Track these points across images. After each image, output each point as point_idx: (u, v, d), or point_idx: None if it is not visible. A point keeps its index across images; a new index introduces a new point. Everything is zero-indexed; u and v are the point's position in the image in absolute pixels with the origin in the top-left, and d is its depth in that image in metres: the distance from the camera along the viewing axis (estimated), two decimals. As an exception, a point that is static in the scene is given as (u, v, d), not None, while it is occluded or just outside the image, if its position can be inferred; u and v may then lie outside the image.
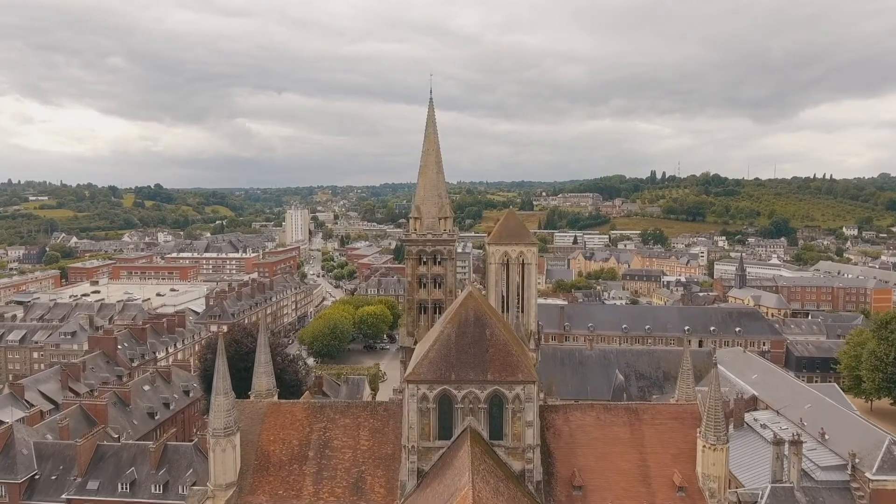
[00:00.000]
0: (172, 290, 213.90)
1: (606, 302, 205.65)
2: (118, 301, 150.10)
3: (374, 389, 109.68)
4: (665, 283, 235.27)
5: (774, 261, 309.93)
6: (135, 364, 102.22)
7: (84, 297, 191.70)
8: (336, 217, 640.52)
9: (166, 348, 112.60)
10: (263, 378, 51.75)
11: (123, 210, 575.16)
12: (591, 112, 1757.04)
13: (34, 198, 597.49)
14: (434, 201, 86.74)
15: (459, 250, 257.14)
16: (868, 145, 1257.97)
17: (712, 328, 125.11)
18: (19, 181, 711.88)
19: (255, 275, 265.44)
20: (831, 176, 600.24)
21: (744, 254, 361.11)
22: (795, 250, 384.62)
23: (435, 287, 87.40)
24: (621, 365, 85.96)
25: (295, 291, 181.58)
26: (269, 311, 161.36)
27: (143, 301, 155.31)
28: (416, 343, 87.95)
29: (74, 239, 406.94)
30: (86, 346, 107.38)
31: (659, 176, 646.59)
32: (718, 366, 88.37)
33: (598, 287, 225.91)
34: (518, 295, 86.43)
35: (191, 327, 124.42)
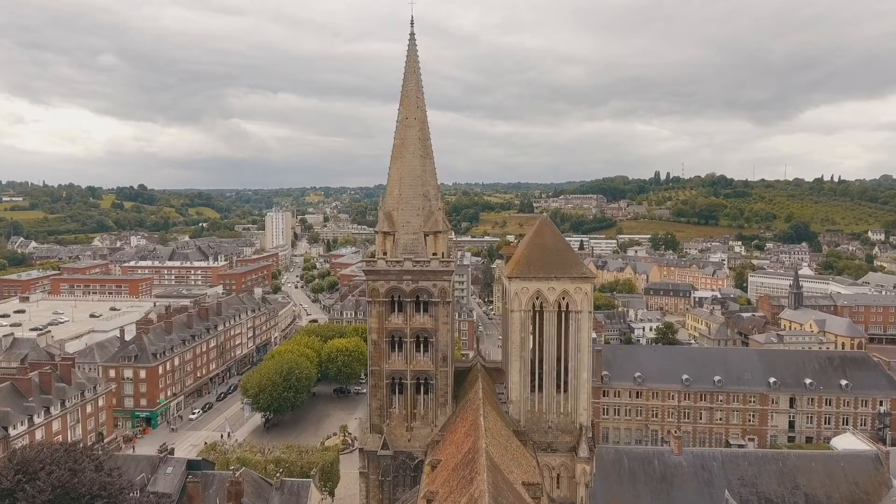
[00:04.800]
0: (113, 308, 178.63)
1: (634, 325, 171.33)
2: (4, 335, 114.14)
3: (330, 483, 74.13)
4: (697, 299, 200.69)
5: (806, 270, 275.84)
6: (-38, 452, 66.75)
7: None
8: (326, 219, 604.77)
9: (30, 418, 77.07)
10: None
11: (99, 212, 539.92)
12: (590, 114, 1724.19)
13: (8, 199, 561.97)
14: (416, 205, 51.52)
15: (455, 256, 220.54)
16: (865, 148, 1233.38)
17: (808, 381, 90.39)
18: (0, 182, 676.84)
19: (219, 287, 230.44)
20: (840, 177, 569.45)
21: (768, 262, 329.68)
22: (820, 257, 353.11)
23: (418, 350, 52.26)
24: (732, 481, 51.13)
25: (253, 315, 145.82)
26: (212, 345, 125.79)
27: (40, 334, 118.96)
28: (384, 447, 53.21)
29: (33, 243, 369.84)
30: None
31: (662, 178, 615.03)
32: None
33: (619, 304, 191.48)
34: (558, 362, 51.65)
35: (81, 380, 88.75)
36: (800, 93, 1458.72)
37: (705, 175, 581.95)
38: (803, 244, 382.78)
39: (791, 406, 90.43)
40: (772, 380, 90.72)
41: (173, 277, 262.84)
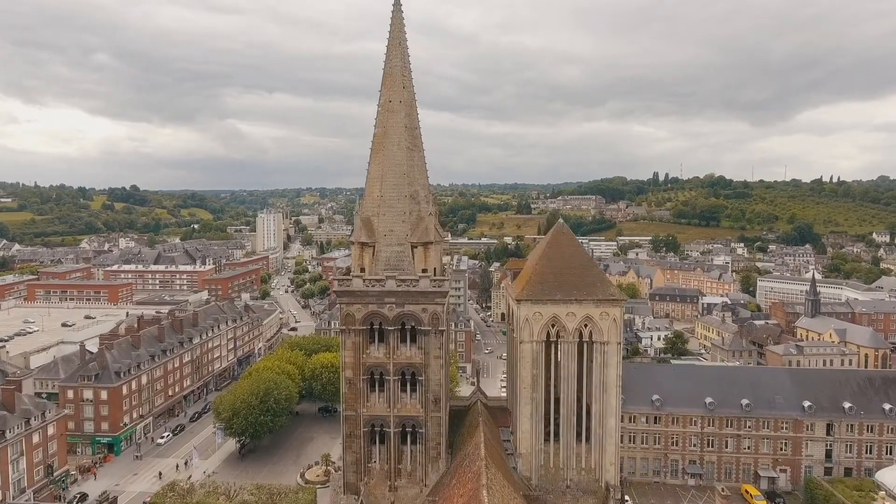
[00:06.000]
0: (87, 317, 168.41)
1: (641, 334, 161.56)
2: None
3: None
4: (706, 306, 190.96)
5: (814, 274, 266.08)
6: None
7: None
8: (320, 221, 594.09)
9: (-41, 454, 67.00)
10: None
11: (89, 213, 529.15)
12: (588, 114, 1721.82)
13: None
14: (401, 209, 41.27)
15: (450, 263, 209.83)
16: (861, 148, 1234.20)
17: (847, 404, 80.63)
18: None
19: (204, 293, 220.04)
20: (839, 178, 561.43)
21: (772, 264, 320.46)
22: (825, 259, 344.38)
23: (404, 390, 42.19)
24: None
25: (234, 325, 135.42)
26: (186, 360, 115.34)
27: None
28: (362, 512, 42.87)
29: (17, 246, 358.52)
30: None
31: (660, 178, 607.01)
32: None
33: (625, 311, 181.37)
34: (579, 405, 41.71)
35: (27, 406, 78.39)
36: (799, 93, 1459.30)
37: (704, 176, 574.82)
38: (807, 246, 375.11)
39: (828, 433, 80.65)
40: (806, 404, 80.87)
41: (157, 282, 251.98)
